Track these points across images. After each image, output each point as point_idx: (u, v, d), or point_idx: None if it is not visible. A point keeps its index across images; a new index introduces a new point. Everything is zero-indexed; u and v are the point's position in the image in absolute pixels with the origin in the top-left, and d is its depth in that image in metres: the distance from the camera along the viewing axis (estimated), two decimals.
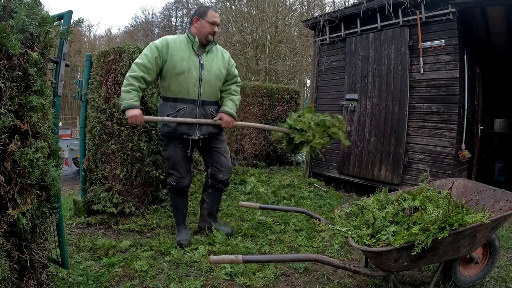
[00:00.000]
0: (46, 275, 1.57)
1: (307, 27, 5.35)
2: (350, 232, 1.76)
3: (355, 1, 6.17)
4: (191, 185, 3.67)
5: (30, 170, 1.37)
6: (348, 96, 4.58)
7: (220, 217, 3.27)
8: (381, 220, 1.74)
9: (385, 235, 1.63)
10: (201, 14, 2.40)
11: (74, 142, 7.06)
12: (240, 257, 1.51)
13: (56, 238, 1.81)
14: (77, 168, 7.02)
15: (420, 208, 1.74)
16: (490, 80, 5.41)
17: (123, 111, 2.29)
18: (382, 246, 1.58)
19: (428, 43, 3.77)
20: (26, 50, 1.39)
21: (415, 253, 1.48)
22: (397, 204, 1.86)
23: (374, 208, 1.90)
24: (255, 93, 6.03)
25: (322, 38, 5.03)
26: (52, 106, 1.60)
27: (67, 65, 1.74)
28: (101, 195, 2.95)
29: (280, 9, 15.39)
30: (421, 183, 2.11)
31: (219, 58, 2.53)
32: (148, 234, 2.81)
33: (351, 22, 4.59)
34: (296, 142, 2.59)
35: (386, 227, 1.68)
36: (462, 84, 3.80)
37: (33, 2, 1.44)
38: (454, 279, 1.88)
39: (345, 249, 2.56)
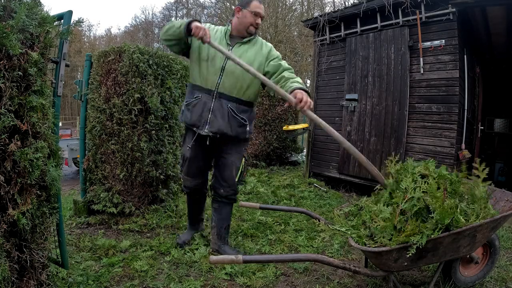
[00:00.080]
0: (46, 275, 1.57)
1: (307, 27, 5.35)
2: (349, 232, 1.76)
3: (355, 1, 6.17)
4: None
5: (30, 170, 1.37)
6: (348, 96, 4.59)
7: None
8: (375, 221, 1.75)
9: (380, 235, 1.63)
10: (243, 4, 2.16)
11: (74, 142, 7.07)
12: (240, 257, 1.51)
13: (56, 238, 1.81)
14: (77, 168, 7.02)
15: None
16: (490, 80, 5.41)
17: (188, 28, 1.93)
18: (382, 246, 1.58)
19: (428, 43, 3.78)
20: (26, 50, 1.39)
21: (411, 254, 1.48)
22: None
23: (370, 208, 1.90)
24: None
25: (322, 38, 5.03)
26: (52, 106, 1.60)
27: (67, 65, 1.74)
28: (101, 195, 2.95)
29: (280, 9, 15.39)
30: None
31: (255, 50, 2.19)
32: (148, 234, 2.81)
33: (351, 22, 4.59)
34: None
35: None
36: (462, 84, 3.80)
37: (33, 2, 1.44)
38: (454, 279, 1.88)
39: (345, 249, 2.56)
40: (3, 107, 1.31)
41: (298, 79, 2.14)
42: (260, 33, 15.05)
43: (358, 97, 4.45)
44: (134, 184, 3.05)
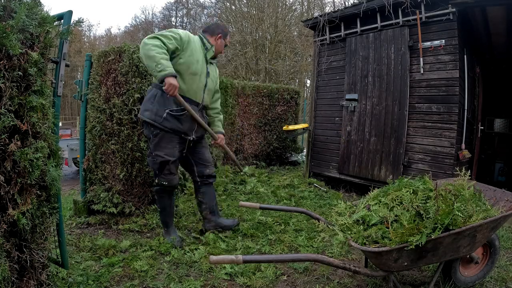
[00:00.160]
0: (46, 275, 1.57)
1: (307, 27, 5.35)
2: (349, 233, 1.76)
3: (355, 1, 6.17)
4: (190, 185, 3.68)
5: (30, 170, 1.37)
6: (348, 96, 4.58)
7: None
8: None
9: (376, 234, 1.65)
10: (225, 35, 2.69)
11: (74, 142, 7.06)
12: (240, 257, 1.51)
13: (56, 238, 1.81)
14: (77, 168, 7.02)
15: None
16: (490, 80, 5.41)
17: (162, 79, 2.18)
18: (382, 246, 1.58)
19: (428, 43, 3.78)
20: (26, 50, 1.39)
21: (411, 251, 1.48)
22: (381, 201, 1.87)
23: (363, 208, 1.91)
24: (255, 93, 6.03)
25: (322, 38, 5.03)
26: (52, 106, 1.60)
27: (67, 65, 1.74)
28: (101, 195, 2.95)
29: (280, 9, 15.38)
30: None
31: (215, 71, 2.75)
32: (148, 234, 2.81)
33: (351, 22, 4.59)
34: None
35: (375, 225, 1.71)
36: (462, 84, 3.80)
37: (33, 2, 1.44)
38: (454, 279, 1.88)
39: (345, 249, 2.56)
40: (3, 107, 1.31)
41: (221, 116, 2.89)
42: (260, 33, 15.06)
43: (358, 97, 4.45)
44: (134, 184, 3.05)
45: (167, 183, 2.50)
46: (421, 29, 3.79)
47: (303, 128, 5.76)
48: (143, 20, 30.18)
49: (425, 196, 1.73)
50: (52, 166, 1.51)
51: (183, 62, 2.39)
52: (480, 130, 4.88)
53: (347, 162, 4.59)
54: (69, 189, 4.95)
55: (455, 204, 1.59)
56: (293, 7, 16.09)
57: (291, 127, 5.78)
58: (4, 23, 1.31)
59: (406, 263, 1.60)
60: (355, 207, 2.03)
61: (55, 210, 1.60)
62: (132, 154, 2.96)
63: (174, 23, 28.76)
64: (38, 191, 1.47)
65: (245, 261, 1.52)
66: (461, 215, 1.56)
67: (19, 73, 1.35)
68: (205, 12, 22.84)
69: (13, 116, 1.33)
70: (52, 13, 1.60)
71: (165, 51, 2.24)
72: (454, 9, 3.51)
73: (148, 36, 2.28)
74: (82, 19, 1.67)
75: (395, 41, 4.04)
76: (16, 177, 1.36)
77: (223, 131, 2.86)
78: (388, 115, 4.11)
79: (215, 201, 2.83)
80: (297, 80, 17.74)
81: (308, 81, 16.93)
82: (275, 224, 3.08)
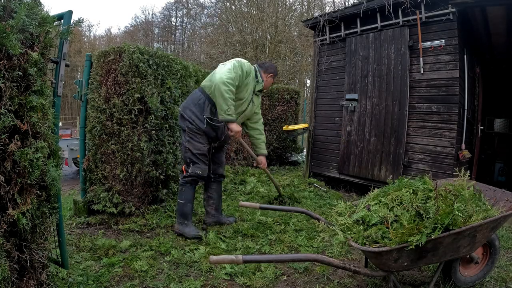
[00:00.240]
0: (46, 275, 1.57)
1: (307, 27, 5.35)
2: (349, 233, 1.76)
3: (355, 1, 6.17)
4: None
5: (30, 170, 1.37)
6: (348, 96, 4.59)
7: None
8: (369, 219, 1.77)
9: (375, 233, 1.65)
10: (275, 75, 3.07)
11: (74, 142, 7.06)
12: (240, 257, 1.51)
13: (56, 238, 1.81)
14: (77, 168, 7.02)
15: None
16: (490, 80, 5.41)
17: (228, 123, 2.66)
18: (382, 246, 1.58)
19: (428, 43, 3.78)
20: (26, 50, 1.39)
21: (411, 251, 1.48)
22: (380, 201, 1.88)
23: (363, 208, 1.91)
24: None
25: (322, 38, 5.03)
26: (52, 106, 1.60)
27: (67, 65, 1.74)
28: (101, 195, 2.95)
29: (280, 9, 15.38)
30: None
31: (258, 101, 3.07)
32: (148, 234, 2.81)
33: (351, 22, 4.59)
34: None
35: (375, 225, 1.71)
36: (462, 84, 3.80)
37: (33, 2, 1.44)
38: (454, 279, 1.88)
39: (345, 249, 2.56)
40: (3, 107, 1.31)
41: (264, 136, 3.23)
42: (260, 33, 15.06)
43: (358, 97, 4.46)
44: (134, 184, 3.05)
45: (201, 172, 2.76)
46: (421, 29, 3.79)
47: (303, 128, 5.76)
48: (143, 20, 30.24)
49: (425, 196, 1.73)
50: (52, 166, 1.51)
51: (238, 87, 2.75)
52: (480, 130, 4.88)
53: (347, 162, 4.59)
54: (69, 189, 4.95)
55: (455, 204, 1.59)
56: (293, 7, 16.09)
57: (291, 127, 5.78)
58: (4, 23, 1.31)
59: (406, 263, 1.60)
60: (355, 207, 2.03)
61: (55, 210, 1.60)
62: (132, 154, 2.96)
63: (174, 23, 28.78)
64: (38, 191, 1.47)
65: (245, 261, 1.52)
66: (461, 215, 1.56)
67: (19, 73, 1.35)
68: (205, 12, 22.87)
69: (13, 116, 1.33)
70: (52, 13, 1.60)
71: (234, 89, 2.65)
72: (454, 9, 3.51)
73: (227, 74, 2.61)
74: (82, 19, 1.67)
75: (395, 41, 4.05)
76: (16, 177, 1.36)
77: (265, 152, 3.19)
78: (388, 115, 4.11)
79: (221, 199, 3.13)
80: (297, 80, 17.74)
81: (308, 81, 16.94)
82: (275, 224, 3.08)
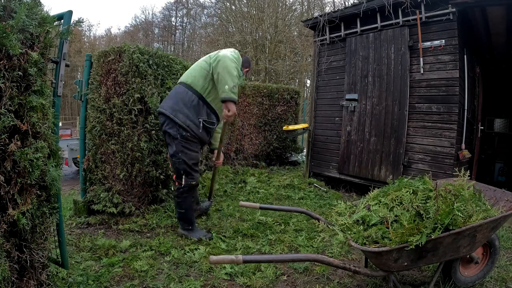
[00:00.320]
0: (46, 275, 1.57)
1: (307, 27, 5.35)
2: (349, 233, 1.76)
3: (355, 1, 6.17)
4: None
5: (30, 170, 1.37)
6: (348, 96, 4.59)
7: (220, 217, 3.27)
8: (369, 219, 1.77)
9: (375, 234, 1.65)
10: (251, 68, 2.98)
11: (74, 142, 7.06)
12: (240, 257, 1.51)
13: (56, 238, 1.81)
14: (77, 168, 7.02)
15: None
16: (490, 80, 5.41)
17: (230, 101, 2.43)
18: (382, 246, 1.58)
19: (428, 43, 3.78)
20: (26, 50, 1.39)
21: (411, 251, 1.48)
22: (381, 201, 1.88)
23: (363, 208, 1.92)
24: (255, 93, 6.04)
25: (322, 38, 5.03)
26: (52, 106, 1.60)
27: (67, 65, 1.74)
28: (101, 195, 2.95)
29: (280, 9, 15.38)
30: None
31: None
32: (148, 234, 2.81)
33: (351, 22, 4.59)
34: None
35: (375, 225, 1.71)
36: (462, 84, 3.81)
37: (33, 2, 1.44)
38: (454, 279, 1.88)
39: (345, 249, 2.56)
40: (3, 107, 1.31)
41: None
42: (260, 33, 15.07)
43: (358, 97, 4.46)
44: (134, 184, 3.05)
45: (195, 182, 2.68)
46: (421, 29, 3.79)
47: (303, 128, 5.76)
48: (143, 20, 30.24)
49: (425, 196, 1.73)
50: (52, 166, 1.51)
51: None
52: (480, 130, 4.88)
53: (347, 162, 4.59)
54: (69, 189, 4.95)
55: (455, 204, 1.59)
56: (293, 7, 16.10)
57: (291, 127, 5.78)
58: (4, 23, 1.31)
59: (406, 263, 1.61)
60: (355, 207, 2.03)
61: (55, 210, 1.60)
62: (132, 154, 2.96)
63: (174, 23, 28.78)
64: (38, 191, 1.47)
65: (245, 261, 1.52)
66: (461, 215, 1.56)
67: (19, 73, 1.35)
68: (205, 12, 22.87)
69: (13, 116, 1.33)
70: (52, 13, 1.60)
71: (239, 76, 2.53)
72: (454, 9, 3.51)
73: (233, 52, 2.53)
74: (82, 19, 1.67)
75: (395, 41, 4.05)
76: (16, 177, 1.36)
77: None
78: (388, 115, 4.11)
79: (197, 192, 3.08)
80: (297, 80, 17.75)
81: (308, 81, 16.93)
82: (275, 224, 3.08)
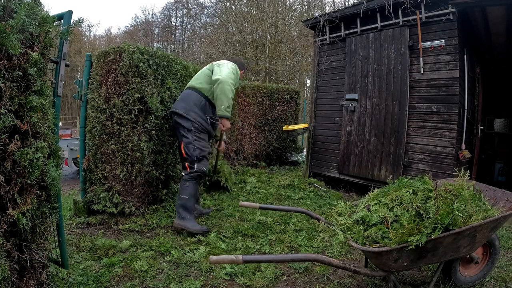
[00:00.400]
0: (46, 275, 1.57)
1: (307, 27, 5.35)
2: (349, 233, 1.76)
3: (355, 1, 6.17)
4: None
5: (30, 170, 1.37)
6: (348, 96, 4.59)
7: (220, 217, 3.27)
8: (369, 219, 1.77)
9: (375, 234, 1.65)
10: (245, 69, 3.35)
11: (74, 142, 7.06)
12: (240, 257, 1.51)
13: (56, 238, 1.81)
14: (77, 168, 7.02)
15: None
16: (490, 80, 5.41)
17: (225, 118, 2.90)
18: (382, 246, 1.58)
19: (428, 43, 3.78)
20: (26, 50, 1.39)
21: (411, 251, 1.48)
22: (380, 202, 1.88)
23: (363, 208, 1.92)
24: (255, 93, 6.03)
25: (322, 38, 5.03)
26: (52, 106, 1.60)
27: (67, 65, 1.74)
28: (101, 195, 2.95)
29: (280, 9, 15.38)
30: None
31: None
32: (148, 234, 2.81)
33: (351, 22, 4.59)
34: None
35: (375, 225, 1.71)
36: (462, 84, 3.81)
37: (33, 2, 1.44)
38: (454, 279, 1.88)
39: (345, 249, 2.56)
40: (3, 107, 1.31)
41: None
42: (260, 33, 15.06)
43: (358, 97, 4.46)
44: (134, 184, 3.05)
45: (206, 169, 2.95)
46: (421, 29, 3.79)
47: (303, 128, 5.76)
48: (143, 20, 30.25)
49: (425, 196, 1.73)
50: (52, 166, 1.51)
51: None
52: (480, 130, 4.88)
53: (347, 162, 4.59)
54: (69, 189, 4.95)
55: (455, 204, 1.59)
56: (293, 7, 16.10)
57: (291, 127, 5.78)
58: (4, 23, 1.31)
59: (406, 263, 1.61)
60: (355, 207, 2.03)
61: (55, 210, 1.60)
62: (132, 154, 2.96)
63: (174, 23, 28.78)
64: (38, 191, 1.47)
65: (245, 261, 1.52)
66: (461, 215, 1.56)
67: (19, 73, 1.35)
68: (205, 12, 22.86)
69: (13, 116, 1.33)
70: (52, 13, 1.60)
71: (234, 93, 2.91)
72: (454, 9, 3.51)
73: (231, 76, 2.87)
74: (82, 19, 1.67)
75: (395, 41, 4.05)
76: (16, 177, 1.36)
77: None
78: (388, 115, 4.11)
79: (198, 192, 3.25)
80: (297, 80, 17.75)
81: (308, 81, 16.93)
82: (275, 224, 3.08)
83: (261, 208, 2.43)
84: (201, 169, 2.88)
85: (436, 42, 3.71)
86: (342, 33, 4.69)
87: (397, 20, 4.01)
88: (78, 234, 2.73)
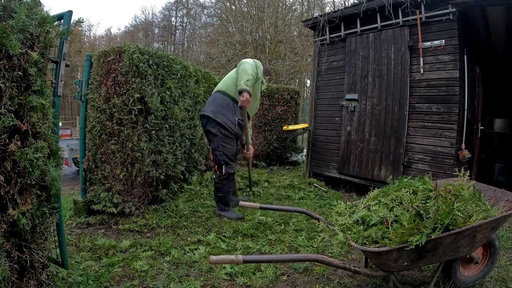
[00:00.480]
0: (46, 275, 1.57)
1: (307, 27, 5.35)
2: (349, 233, 1.76)
3: (355, 1, 6.17)
4: (189, 187, 3.88)
5: (30, 170, 1.37)
6: (348, 96, 4.59)
7: (220, 217, 3.27)
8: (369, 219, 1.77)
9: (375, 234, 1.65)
10: (270, 75, 3.68)
11: (74, 142, 7.06)
12: (240, 257, 1.51)
13: (56, 238, 1.81)
14: (77, 168, 7.02)
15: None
16: (490, 80, 5.41)
17: (244, 91, 3.01)
18: (382, 246, 1.58)
19: (428, 43, 3.78)
20: (26, 50, 1.39)
21: (411, 251, 1.48)
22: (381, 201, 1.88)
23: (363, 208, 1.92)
24: None
25: (322, 38, 5.03)
26: (52, 106, 1.60)
27: (67, 65, 1.74)
28: (101, 195, 2.95)
29: (280, 9, 15.38)
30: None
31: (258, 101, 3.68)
32: (148, 234, 2.81)
33: (351, 22, 4.59)
34: None
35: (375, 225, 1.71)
36: (462, 84, 3.80)
37: (33, 2, 1.44)
38: (454, 279, 1.88)
39: (345, 249, 2.56)
40: (3, 107, 1.31)
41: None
42: (260, 33, 15.07)
43: (358, 97, 4.45)
44: (134, 184, 3.05)
45: (233, 171, 3.26)
46: (421, 29, 3.79)
47: (303, 128, 5.76)
48: (143, 20, 30.24)
49: (425, 196, 1.73)
50: (52, 166, 1.51)
51: (255, 88, 3.28)
52: (480, 130, 4.88)
53: (347, 162, 4.59)
54: (69, 189, 4.95)
55: (455, 204, 1.59)
56: (293, 7, 16.09)
57: (291, 127, 5.78)
58: (4, 23, 1.31)
59: (406, 263, 1.61)
60: (355, 207, 2.03)
61: (55, 210, 1.60)
62: (132, 154, 2.96)
63: (174, 23, 28.78)
64: (38, 191, 1.47)
65: (245, 261, 1.52)
66: (461, 215, 1.56)
67: (19, 73, 1.35)
68: (205, 12, 22.86)
69: (13, 116, 1.33)
70: (52, 13, 1.60)
71: (254, 76, 3.13)
72: (454, 9, 3.51)
73: (250, 61, 3.15)
74: (82, 19, 1.67)
75: (395, 41, 4.05)
76: (16, 177, 1.36)
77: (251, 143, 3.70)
78: (388, 115, 4.11)
79: (235, 184, 3.66)
80: (297, 80, 17.74)
81: (308, 81, 16.93)
82: (275, 224, 3.08)
83: (261, 208, 2.43)
84: (229, 172, 3.21)
85: (436, 42, 3.71)
86: (342, 33, 4.69)
87: (397, 20, 4.01)
88: (78, 234, 2.73)
